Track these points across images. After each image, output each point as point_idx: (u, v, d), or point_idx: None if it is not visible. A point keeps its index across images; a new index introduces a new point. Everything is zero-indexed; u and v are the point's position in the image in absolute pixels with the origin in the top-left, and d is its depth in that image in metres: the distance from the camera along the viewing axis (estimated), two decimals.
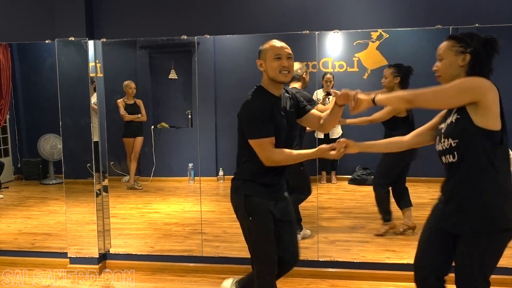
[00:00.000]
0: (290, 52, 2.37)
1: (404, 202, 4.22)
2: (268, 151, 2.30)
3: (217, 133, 6.71)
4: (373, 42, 6.24)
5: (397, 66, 4.06)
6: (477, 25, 3.21)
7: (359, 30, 3.42)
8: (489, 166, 1.96)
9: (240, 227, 2.52)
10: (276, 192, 2.44)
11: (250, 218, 2.39)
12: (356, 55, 6.34)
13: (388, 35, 6.13)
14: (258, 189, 2.37)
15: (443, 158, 2.09)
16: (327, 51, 6.43)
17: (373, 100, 2.20)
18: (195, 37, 3.74)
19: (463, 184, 2.02)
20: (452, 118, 2.04)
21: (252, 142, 2.32)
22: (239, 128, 2.43)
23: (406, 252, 3.72)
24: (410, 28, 3.67)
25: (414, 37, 6.02)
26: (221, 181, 6.64)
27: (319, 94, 6.21)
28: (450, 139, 2.02)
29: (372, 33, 6.09)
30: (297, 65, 4.03)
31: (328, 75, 6.19)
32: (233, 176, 2.51)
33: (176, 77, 6.72)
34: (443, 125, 2.12)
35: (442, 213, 2.12)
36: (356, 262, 3.54)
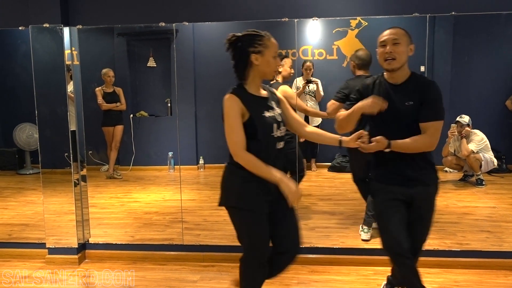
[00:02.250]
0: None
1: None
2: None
3: (197, 122, 6.68)
4: (352, 30, 6.26)
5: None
6: (453, 13, 3.25)
7: (338, 18, 3.42)
8: None
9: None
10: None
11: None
12: (335, 43, 6.36)
13: (367, 23, 6.16)
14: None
15: None
16: (307, 39, 6.43)
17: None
18: (174, 24, 3.69)
19: None
20: None
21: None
22: None
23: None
24: (388, 16, 3.69)
25: (390, 25, 6.06)
26: (201, 170, 6.63)
27: (298, 82, 6.23)
28: None
29: (351, 21, 6.12)
30: (364, 51, 4.00)
31: (308, 63, 6.20)
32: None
33: (155, 65, 6.64)
34: None
35: None
36: (336, 248, 3.59)
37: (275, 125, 2.29)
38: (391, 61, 2.32)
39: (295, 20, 3.36)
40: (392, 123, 2.36)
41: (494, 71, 5.85)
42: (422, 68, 4.13)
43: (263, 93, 2.39)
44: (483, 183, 5.44)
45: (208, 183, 6.01)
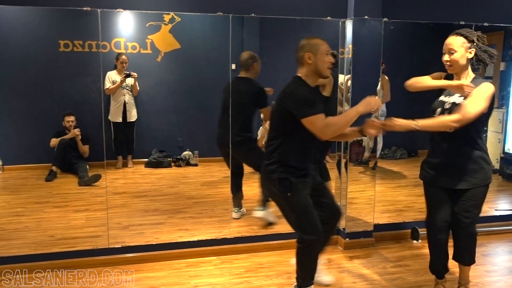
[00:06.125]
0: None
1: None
2: None
3: None
4: (165, 24, 6.24)
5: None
6: (253, 14, 3.49)
7: (144, 11, 3.36)
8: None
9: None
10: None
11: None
12: (149, 37, 6.26)
13: (180, 19, 6.21)
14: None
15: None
16: (120, 31, 6.19)
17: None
18: None
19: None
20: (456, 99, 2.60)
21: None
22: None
23: (197, 229, 3.89)
24: (196, 13, 3.79)
25: (202, 22, 6.26)
26: None
27: (113, 76, 5.97)
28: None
29: (164, 15, 6.09)
30: (247, 54, 3.97)
31: (124, 56, 5.99)
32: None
33: None
34: (445, 99, 2.66)
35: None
36: (149, 244, 3.55)
37: None
38: None
39: (98, 10, 3.19)
40: None
41: (294, 71, 6.48)
42: (233, 66, 4.36)
43: None
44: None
45: (7, 187, 5.33)
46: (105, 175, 4.81)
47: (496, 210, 4.74)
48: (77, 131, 5.69)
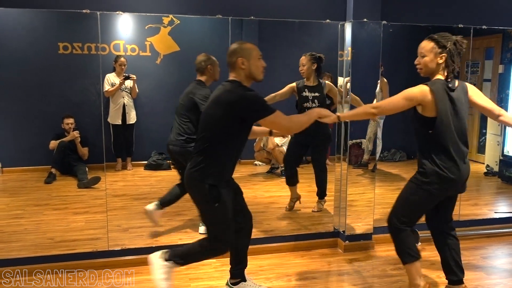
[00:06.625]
0: None
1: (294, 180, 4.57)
2: None
3: None
4: (165, 27, 6.26)
5: (313, 54, 4.32)
6: (252, 17, 3.50)
7: (144, 14, 3.38)
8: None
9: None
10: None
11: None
12: (148, 39, 6.27)
13: (179, 21, 6.23)
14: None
15: None
16: (119, 33, 6.20)
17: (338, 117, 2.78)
18: None
19: None
20: None
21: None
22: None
23: (197, 232, 3.89)
24: (196, 16, 3.80)
25: (201, 25, 6.27)
26: None
27: (112, 78, 5.97)
28: None
29: (163, 18, 6.11)
30: (201, 57, 3.82)
31: (122, 59, 6.00)
32: None
33: None
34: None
35: None
36: (149, 247, 3.53)
37: None
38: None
39: (98, 12, 3.20)
40: None
41: (293, 73, 6.48)
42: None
43: None
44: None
45: (6, 189, 5.33)
46: (105, 177, 4.81)
47: (495, 212, 4.75)
48: (76, 134, 5.69)
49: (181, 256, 2.70)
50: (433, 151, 2.61)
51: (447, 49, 2.60)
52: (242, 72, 2.59)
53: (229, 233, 2.66)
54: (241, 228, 2.82)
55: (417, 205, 2.72)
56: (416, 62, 2.70)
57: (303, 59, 4.39)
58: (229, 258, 2.95)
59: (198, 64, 3.84)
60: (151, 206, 3.85)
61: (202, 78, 3.84)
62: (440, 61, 2.62)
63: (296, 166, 4.59)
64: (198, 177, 2.56)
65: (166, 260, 2.66)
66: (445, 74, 2.66)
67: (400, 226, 2.75)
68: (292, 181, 4.59)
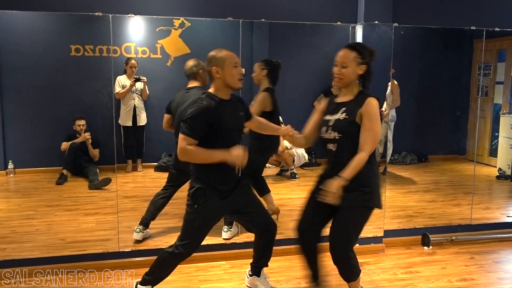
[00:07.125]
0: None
1: (264, 189, 4.30)
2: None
3: (4, 122, 5.93)
4: (175, 29, 6.28)
5: (264, 60, 4.04)
6: (263, 20, 3.50)
7: (155, 16, 3.40)
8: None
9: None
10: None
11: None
12: (159, 41, 6.30)
13: (190, 24, 6.25)
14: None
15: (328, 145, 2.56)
16: (130, 36, 6.24)
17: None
18: None
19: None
20: (339, 116, 2.53)
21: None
22: None
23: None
24: (206, 18, 3.81)
25: (212, 27, 6.29)
26: (11, 175, 5.91)
27: (122, 80, 6.01)
28: (335, 133, 2.51)
29: (174, 20, 6.14)
30: (191, 62, 3.70)
31: (133, 61, 6.03)
32: None
33: None
34: (329, 118, 2.56)
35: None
36: (159, 248, 3.53)
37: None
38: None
39: (110, 15, 3.22)
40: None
41: (303, 76, 6.49)
42: (243, 71, 4.36)
43: None
44: (296, 176, 6.00)
45: (19, 190, 5.39)
46: (115, 179, 4.85)
47: (508, 216, 4.70)
48: (87, 135, 5.74)
49: (150, 275, 2.83)
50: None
51: (367, 60, 2.52)
52: (218, 80, 2.56)
53: (199, 241, 2.75)
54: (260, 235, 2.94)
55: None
56: (336, 71, 2.54)
57: (255, 66, 4.12)
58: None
59: (189, 70, 3.70)
60: (138, 236, 3.79)
61: (197, 84, 3.73)
62: (360, 72, 2.53)
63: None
64: (192, 179, 2.65)
65: (142, 284, 2.82)
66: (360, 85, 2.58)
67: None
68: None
